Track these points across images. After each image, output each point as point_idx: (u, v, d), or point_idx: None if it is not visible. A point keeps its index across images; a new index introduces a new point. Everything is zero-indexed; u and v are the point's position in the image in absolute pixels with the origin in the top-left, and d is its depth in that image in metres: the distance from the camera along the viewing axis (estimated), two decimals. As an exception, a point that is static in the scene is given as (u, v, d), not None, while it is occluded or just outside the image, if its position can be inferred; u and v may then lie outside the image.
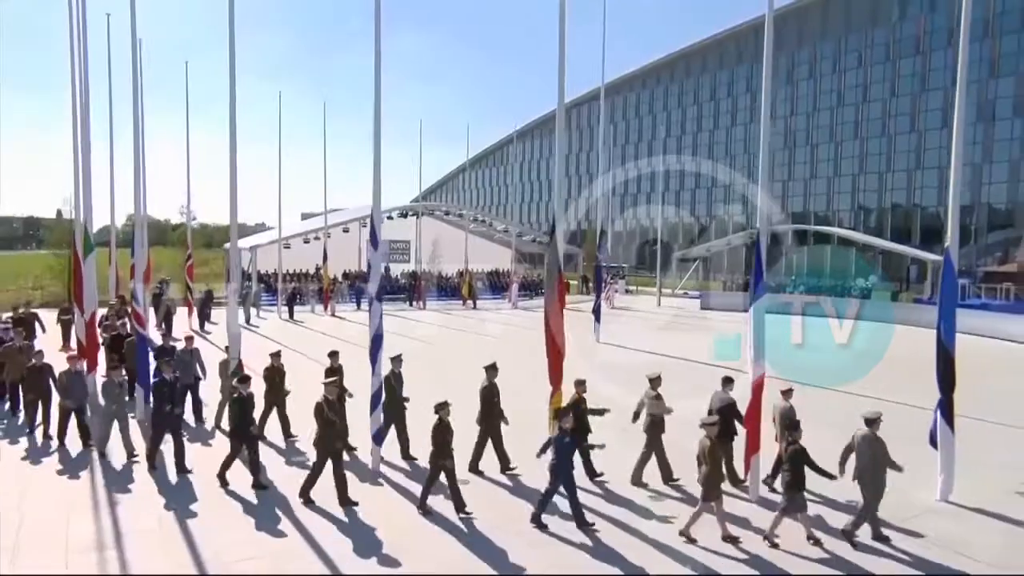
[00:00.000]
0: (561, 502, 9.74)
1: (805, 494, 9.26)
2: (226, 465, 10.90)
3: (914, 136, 55.71)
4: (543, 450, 10.41)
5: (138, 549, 8.79)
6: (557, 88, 12.98)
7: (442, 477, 9.98)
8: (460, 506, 9.93)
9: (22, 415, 14.19)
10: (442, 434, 9.91)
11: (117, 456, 12.24)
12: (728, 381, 11.40)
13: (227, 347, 13.93)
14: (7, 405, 15.18)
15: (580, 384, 11.50)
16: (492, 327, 32.23)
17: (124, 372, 14.39)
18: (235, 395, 10.80)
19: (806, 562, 8.76)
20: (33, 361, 13.55)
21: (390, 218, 45.42)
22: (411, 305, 39.45)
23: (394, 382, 12.30)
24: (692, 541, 9.19)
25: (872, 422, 9.47)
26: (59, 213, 55.40)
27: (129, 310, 22.28)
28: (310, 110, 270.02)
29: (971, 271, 46.12)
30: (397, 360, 12.58)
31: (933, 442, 11.00)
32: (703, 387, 12.48)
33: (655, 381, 11.69)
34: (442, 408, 10.04)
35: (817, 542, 9.13)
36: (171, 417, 11.49)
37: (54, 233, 48.15)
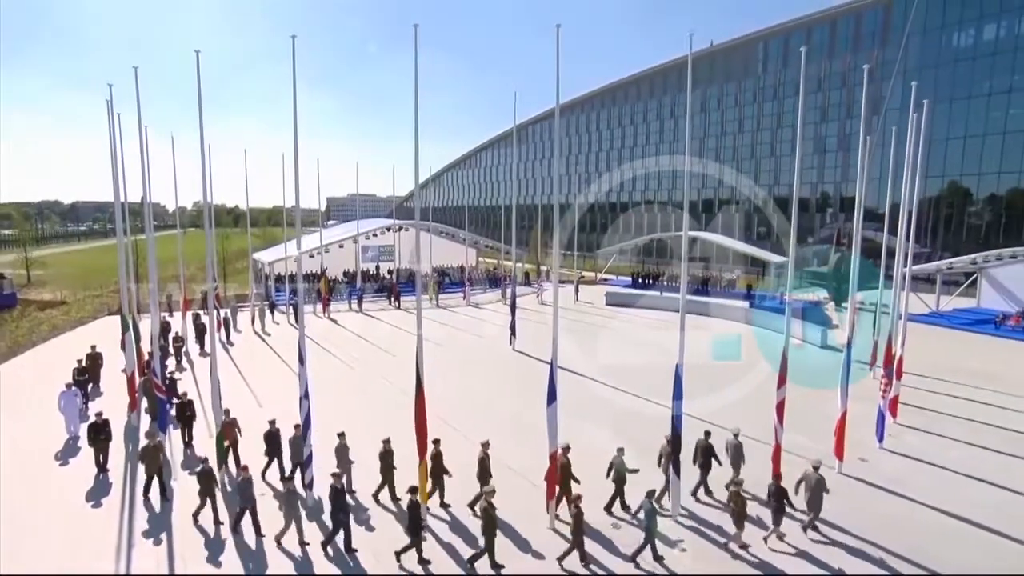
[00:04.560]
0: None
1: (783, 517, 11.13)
2: (406, 551, 10.47)
3: (773, 159, 56.35)
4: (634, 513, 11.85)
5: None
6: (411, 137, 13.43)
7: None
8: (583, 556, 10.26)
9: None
10: (581, 522, 10.16)
11: (128, 498, 12.65)
12: (818, 465, 11.58)
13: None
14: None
15: (621, 451, 12.15)
16: (437, 332, 28.65)
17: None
18: (407, 505, 10.51)
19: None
20: (200, 467, 12.10)
21: (374, 235, 46.17)
22: (391, 303, 39.01)
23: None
24: (745, 546, 10.84)
25: (817, 468, 11.44)
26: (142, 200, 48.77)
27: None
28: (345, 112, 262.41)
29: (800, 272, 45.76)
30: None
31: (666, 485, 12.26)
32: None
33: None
34: (578, 498, 10.33)
35: (772, 546, 10.92)
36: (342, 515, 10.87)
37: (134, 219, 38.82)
